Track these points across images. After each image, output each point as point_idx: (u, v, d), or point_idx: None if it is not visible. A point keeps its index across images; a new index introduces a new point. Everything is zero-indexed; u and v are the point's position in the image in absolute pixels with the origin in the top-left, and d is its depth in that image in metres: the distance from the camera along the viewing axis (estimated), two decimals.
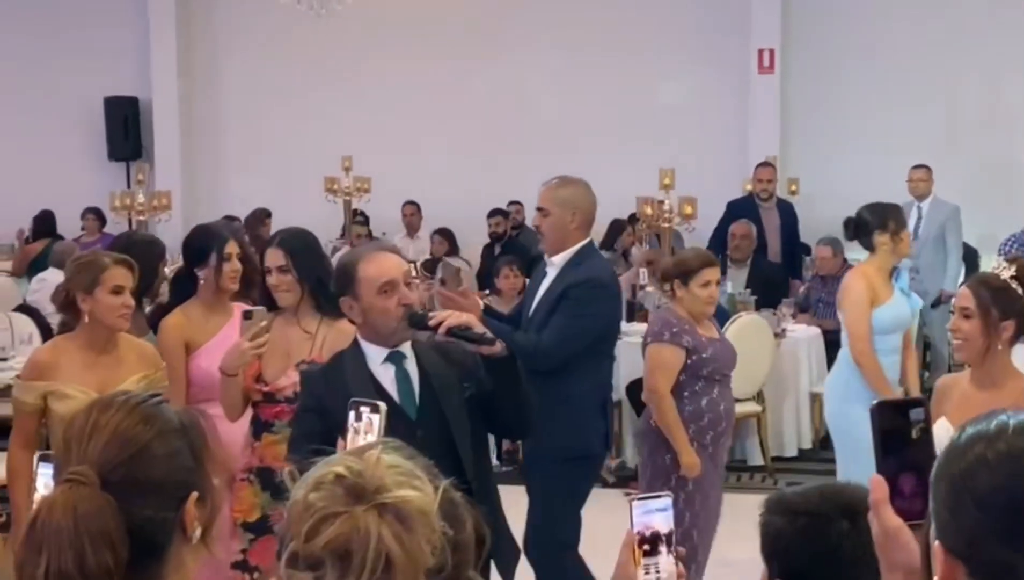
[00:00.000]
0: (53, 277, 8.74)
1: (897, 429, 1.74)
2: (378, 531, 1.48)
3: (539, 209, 5.31)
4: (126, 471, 1.78)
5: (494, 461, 9.09)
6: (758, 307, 9.33)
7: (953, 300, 4.44)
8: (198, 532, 1.85)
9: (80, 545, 1.70)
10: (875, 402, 1.78)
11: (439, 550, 1.52)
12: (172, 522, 1.82)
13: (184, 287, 5.19)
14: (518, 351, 5.22)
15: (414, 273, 11.21)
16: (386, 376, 3.74)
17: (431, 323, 3.66)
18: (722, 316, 8.01)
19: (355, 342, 3.83)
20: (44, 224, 13.08)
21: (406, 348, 3.77)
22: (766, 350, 8.72)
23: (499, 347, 3.68)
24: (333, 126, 14.32)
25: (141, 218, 11.08)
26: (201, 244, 5.10)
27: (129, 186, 13.79)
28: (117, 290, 4.39)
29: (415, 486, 1.54)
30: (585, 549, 7.35)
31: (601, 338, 5.34)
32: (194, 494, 1.84)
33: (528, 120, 14.29)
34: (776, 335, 9.00)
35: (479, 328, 3.68)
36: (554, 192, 5.29)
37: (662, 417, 5.63)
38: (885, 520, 1.68)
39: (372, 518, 1.49)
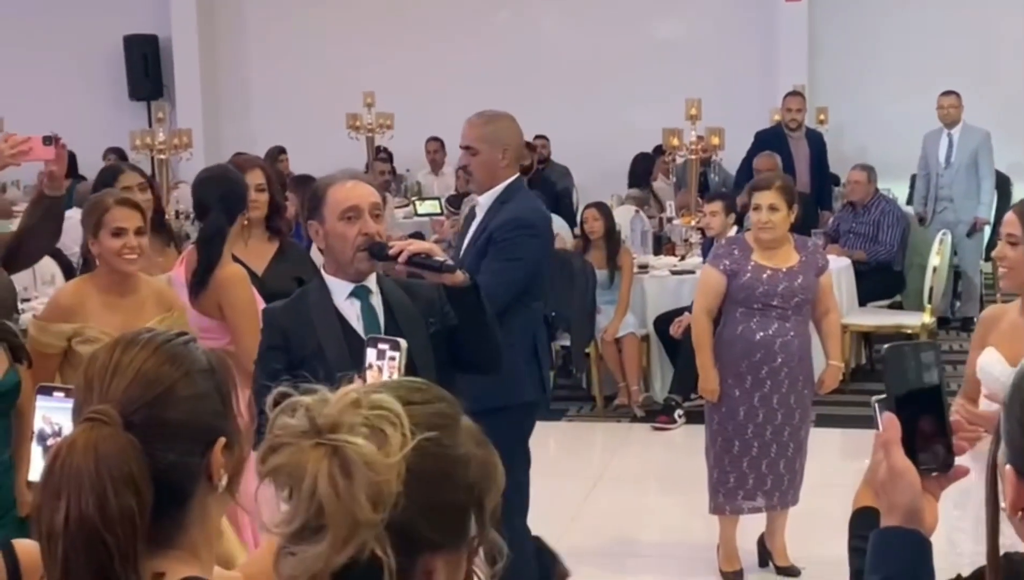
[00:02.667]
0: (77, 216, 8.67)
1: (910, 372, 1.74)
2: (314, 470, 1.41)
3: (466, 148, 4.98)
4: (150, 412, 1.67)
5: None
6: None
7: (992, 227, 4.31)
8: (224, 480, 1.75)
9: (102, 488, 1.58)
10: (887, 346, 1.79)
11: (386, 506, 1.42)
12: (198, 468, 1.72)
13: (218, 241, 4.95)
14: None
15: (445, 213, 11.12)
16: (351, 311, 3.69)
17: (391, 252, 3.59)
18: None
19: (320, 277, 3.78)
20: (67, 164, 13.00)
21: (371, 283, 3.71)
22: None
23: (461, 277, 3.63)
24: (355, 62, 14.17)
25: (162, 157, 10.97)
26: (238, 191, 4.96)
27: (150, 125, 13.69)
28: (117, 232, 4.30)
29: (376, 433, 1.44)
30: (615, 482, 7.33)
31: (530, 281, 4.91)
32: (221, 439, 1.74)
33: (552, 54, 14.11)
34: None
35: (440, 256, 3.64)
36: (482, 129, 4.97)
37: (693, 336, 5.71)
38: (894, 459, 1.69)
39: (315, 457, 1.42)
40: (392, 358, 2.22)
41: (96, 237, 4.32)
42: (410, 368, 2.21)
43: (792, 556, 5.80)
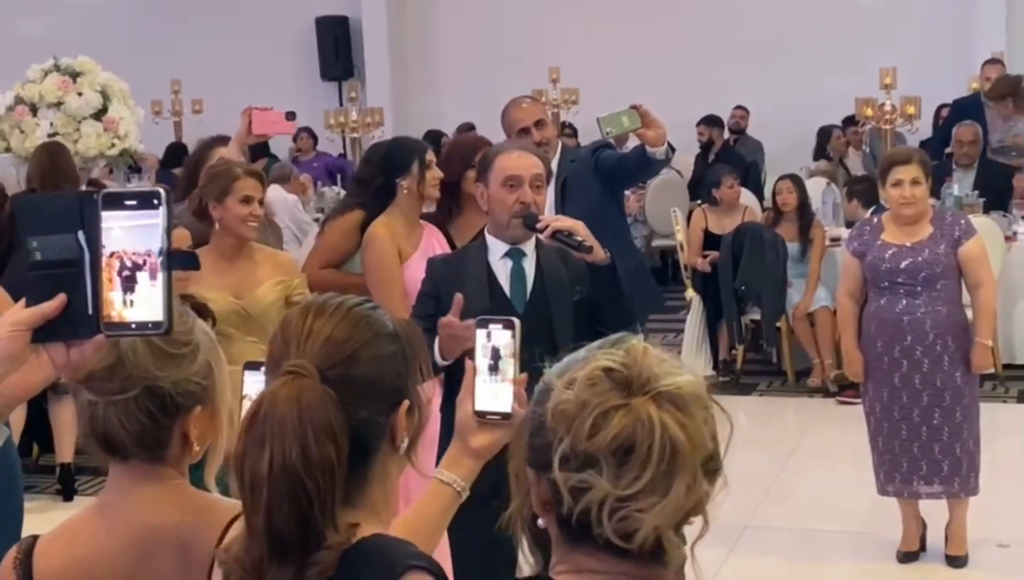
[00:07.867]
0: (275, 194, 8.91)
1: None
2: (660, 420, 1.46)
3: (539, 121, 5.49)
4: (343, 370, 1.74)
5: (710, 371, 8.98)
6: (986, 209, 8.96)
7: None
8: (405, 443, 1.80)
9: (304, 437, 1.65)
10: None
11: (715, 435, 1.50)
12: (383, 427, 1.77)
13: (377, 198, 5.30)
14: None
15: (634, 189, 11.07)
16: (503, 270, 3.97)
17: (538, 225, 3.85)
18: None
19: (482, 235, 4.06)
20: (258, 145, 13.35)
21: (528, 247, 3.97)
22: (996, 254, 8.28)
23: (601, 255, 3.85)
24: (540, 39, 14.21)
25: (354, 135, 11.22)
26: (403, 154, 5.19)
27: (341, 104, 13.99)
28: (246, 200, 4.57)
29: (682, 372, 1.51)
30: (808, 458, 7.23)
31: None
32: (406, 402, 1.80)
33: (739, 25, 13.91)
34: (1007, 238, 8.63)
35: (580, 235, 3.82)
36: (542, 104, 5.84)
37: (837, 319, 5.91)
38: None
39: (652, 408, 1.46)
40: (502, 339, 2.12)
41: (221, 202, 4.57)
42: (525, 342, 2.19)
43: (993, 537, 5.63)
